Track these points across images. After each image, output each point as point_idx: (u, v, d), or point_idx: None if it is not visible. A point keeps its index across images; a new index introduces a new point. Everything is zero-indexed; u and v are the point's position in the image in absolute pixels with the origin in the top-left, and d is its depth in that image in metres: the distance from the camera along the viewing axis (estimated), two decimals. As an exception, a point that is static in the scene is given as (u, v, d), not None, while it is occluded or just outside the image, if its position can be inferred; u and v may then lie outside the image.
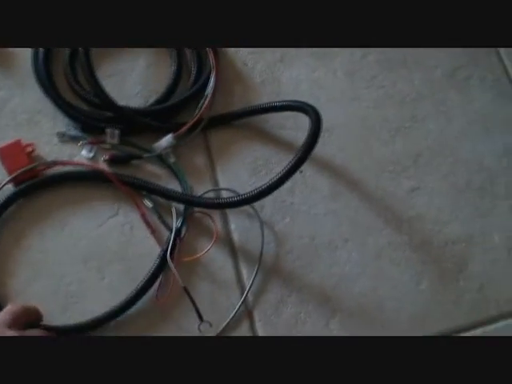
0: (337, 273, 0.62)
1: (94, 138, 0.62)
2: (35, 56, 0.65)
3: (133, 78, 0.68)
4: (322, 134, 0.58)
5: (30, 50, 0.65)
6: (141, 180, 0.61)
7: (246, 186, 0.64)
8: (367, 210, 0.65)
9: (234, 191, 0.62)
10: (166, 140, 0.63)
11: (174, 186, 0.63)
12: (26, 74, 0.65)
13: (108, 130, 0.62)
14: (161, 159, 0.63)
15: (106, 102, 0.62)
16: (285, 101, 0.65)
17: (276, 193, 0.57)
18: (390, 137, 0.69)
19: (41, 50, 0.65)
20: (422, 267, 0.63)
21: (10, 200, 0.58)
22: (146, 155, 0.63)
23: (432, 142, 0.69)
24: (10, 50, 0.66)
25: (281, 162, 0.65)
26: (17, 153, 0.59)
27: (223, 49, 0.70)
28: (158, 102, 0.66)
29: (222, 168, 0.65)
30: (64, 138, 0.62)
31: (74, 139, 0.63)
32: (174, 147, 0.64)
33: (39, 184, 0.59)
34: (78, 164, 0.61)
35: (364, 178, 0.67)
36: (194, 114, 0.65)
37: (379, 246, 0.64)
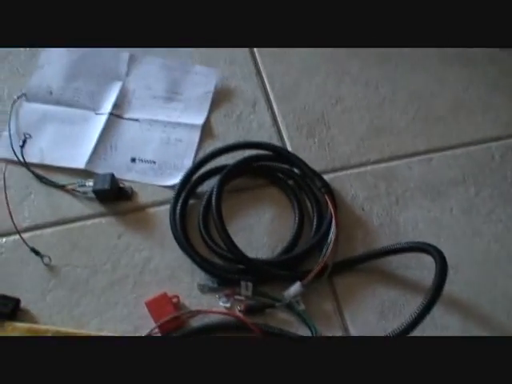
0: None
1: (229, 290, 0.70)
2: (172, 216, 0.75)
3: (260, 230, 0.76)
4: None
5: (167, 210, 0.75)
6: (275, 328, 0.67)
7: (375, 330, 0.68)
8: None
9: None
10: (295, 288, 0.70)
11: (304, 332, 0.68)
12: (165, 233, 0.75)
13: (242, 283, 0.70)
14: (290, 307, 0.70)
15: (238, 255, 0.71)
16: (406, 243, 0.71)
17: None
18: (516, 270, 0.73)
19: (177, 210, 0.75)
20: None
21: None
22: (277, 304, 0.69)
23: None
24: (150, 210, 0.77)
25: (408, 303, 0.70)
26: (163, 304, 0.68)
27: (341, 196, 0.78)
28: (285, 251, 0.74)
29: (349, 312, 0.70)
30: (203, 289, 0.71)
31: (212, 291, 0.71)
32: (302, 294, 0.70)
33: (185, 335, 0.67)
34: (218, 313, 0.68)
35: (494, 313, 0.69)
36: (318, 260, 0.72)
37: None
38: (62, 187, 0.78)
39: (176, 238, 0.73)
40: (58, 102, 0.86)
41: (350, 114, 0.86)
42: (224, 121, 0.86)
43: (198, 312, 0.68)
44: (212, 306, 0.70)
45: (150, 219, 0.77)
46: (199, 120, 0.84)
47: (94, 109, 0.86)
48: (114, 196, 0.76)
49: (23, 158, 0.79)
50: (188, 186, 0.77)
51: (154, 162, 0.80)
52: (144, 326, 0.68)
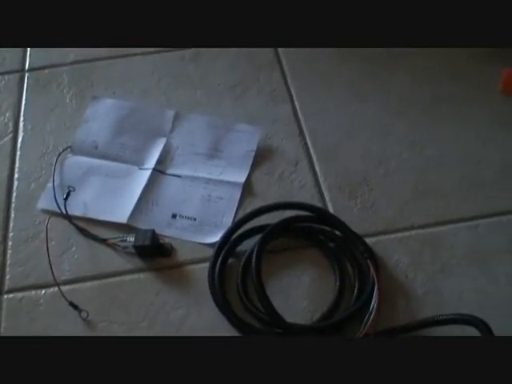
0: None
1: (265, 354, 0.71)
2: (211, 275, 0.77)
3: (299, 293, 0.77)
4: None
5: (206, 267, 0.78)
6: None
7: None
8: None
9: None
10: (335, 355, 0.70)
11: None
12: (202, 291, 0.77)
13: (279, 347, 0.70)
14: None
15: (275, 319, 0.72)
16: (451, 314, 0.70)
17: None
18: None
19: (216, 269, 0.77)
20: None
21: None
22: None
23: None
24: (188, 267, 0.80)
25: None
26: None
27: (384, 261, 0.79)
28: (324, 317, 0.74)
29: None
30: (238, 354, 0.72)
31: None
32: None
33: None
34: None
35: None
36: (358, 328, 0.72)
37: None
38: (103, 241, 0.80)
39: (214, 298, 0.75)
40: (103, 156, 0.91)
41: (393, 177, 0.87)
42: (265, 179, 0.88)
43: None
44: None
45: (188, 276, 0.79)
46: (241, 178, 0.87)
47: (138, 164, 0.89)
48: (154, 252, 0.79)
49: (66, 210, 0.82)
50: (227, 244, 0.79)
51: (195, 219, 0.83)
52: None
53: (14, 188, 0.88)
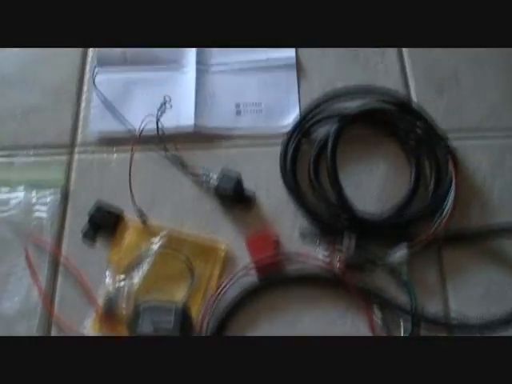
0: None
1: (330, 240, 0.70)
2: (283, 154, 0.75)
3: (371, 184, 0.76)
4: None
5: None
6: (374, 289, 0.68)
7: (477, 309, 0.68)
8: None
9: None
10: (401, 252, 0.69)
11: (402, 298, 0.68)
12: (273, 172, 0.76)
13: (346, 234, 0.69)
14: (393, 270, 0.70)
15: (345, 206, 0.71)
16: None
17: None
18: None
19: (290, 148, 0.76)
20: None
21: (252, 292, 0.68)
22: (380, 264, 0.69)
23: None
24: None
25: (517, 292, 0.68)
26: (264, 243, 0.70)
27: (462, 162, 0.76)
28: (395, 210, 0.72)
29: (453, 287, 0.70)
30: (304, 235, 0.71)
31: (312, 238, 0.71)
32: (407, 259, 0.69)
33: (279, 280, 0.69)
34: (316, 261, 0.70)
35: None
36: (429, 226, 0.70)
37: None
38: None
39: (284, 179, 0.74)
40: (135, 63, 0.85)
41: (485, 76, 0.82)
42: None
43: (296, 256, 0.69)
44: (311, 253, 0.70)
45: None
46: (290, 53, 0.84)
47: (178, 70, 0.85)
48: (235, 200, 0.74)
49: (158, 123, 0.77)
50: (302, 125, 0.77)
51: (260, 104, 0.81)
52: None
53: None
